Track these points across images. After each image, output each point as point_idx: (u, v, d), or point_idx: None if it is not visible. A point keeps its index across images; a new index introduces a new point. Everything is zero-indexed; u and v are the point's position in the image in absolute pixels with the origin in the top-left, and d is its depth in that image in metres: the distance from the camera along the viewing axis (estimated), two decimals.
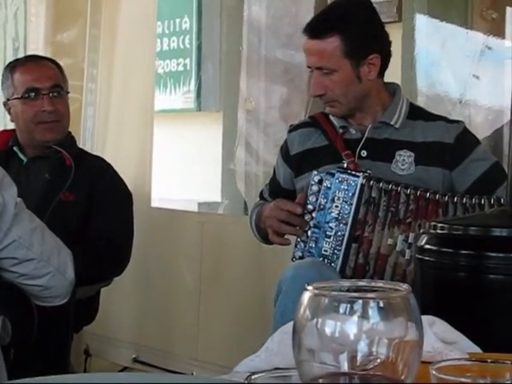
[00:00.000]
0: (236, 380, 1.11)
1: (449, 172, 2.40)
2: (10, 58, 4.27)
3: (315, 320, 0.73)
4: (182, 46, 4.89)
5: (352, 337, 0.72)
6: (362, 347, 0.72)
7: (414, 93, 3.52)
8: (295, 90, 4.20)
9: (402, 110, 2.48)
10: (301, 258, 2.33)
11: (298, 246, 2.35)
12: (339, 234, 2.28)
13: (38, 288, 2.32)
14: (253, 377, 0.81)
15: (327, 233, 2.29)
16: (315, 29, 2.43)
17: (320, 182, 2.31)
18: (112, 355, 4.10)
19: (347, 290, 0.75)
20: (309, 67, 2.48)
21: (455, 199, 2.23)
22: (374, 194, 2.27)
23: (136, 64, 4.08)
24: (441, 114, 2.61)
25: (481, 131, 3.46)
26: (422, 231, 1.61)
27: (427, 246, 1.50)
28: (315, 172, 2.34)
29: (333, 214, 2.29)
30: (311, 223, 2.32)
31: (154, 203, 4.11)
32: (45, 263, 2.30)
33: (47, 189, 3.04)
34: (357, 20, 2.45)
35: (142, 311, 4.00)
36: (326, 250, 2.29)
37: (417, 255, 1.52)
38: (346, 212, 2.27)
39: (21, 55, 4.24)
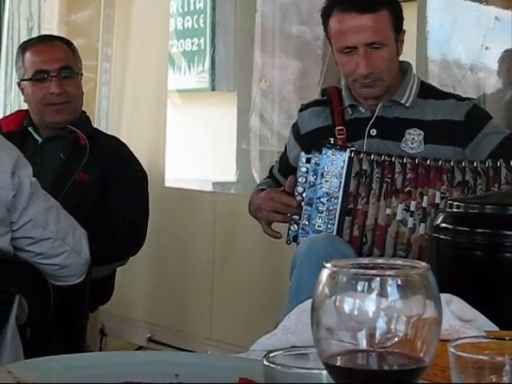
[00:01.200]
0: (254, 358, 1.11)
1: (461, 150, 2.37)
2: (24, 38, 4.27)
3: (333, 298, 0.73)
4: (196, 26, 4.88)
5: (370, 314, 0.72)
6: (381, 325, 0.72)
7: (427, 71, 3.51)
8: (309, 66, 4.19)
9: (412, 88, 2.46)
10: (295, 237, 2.33)
11: (292, 228, 2.35)
12: (331, 208, 2.27)
13: (53, 267, 2.33)
14: (270, 355, 0.82)
15: (319, 208, 2.29)
16: (366, 3, 2.37)
17: (308, 160, 2.31)
18: (127, 334, 4.12)
19: (365, 268, 0.75)
20: (349, 48, 2.36)
21: (463, 163, 2.21)
22: (364, 167, 2.26)
23: (150, 43, 4.07)
24: (452, 92, 2.59)
25: (493, 98, 3.47)
26: (439, 210, 1.60)
27: (443, 225, 1.49)
28: (302, 153, 2.33)
29: (323, 190, 2.28)
30: (303, 202, 2.32)
31: (168, 183, 4.11)
32: (60, 242, 2.31)
33: (62, 169, 3.04)
34: None
35: (157, 290, 4.02)
36: (319, 226, 2.29)
37: (433, 234, 1.52)
38: (336, 186, 2.27)
39: (35, 35, 4.23)
